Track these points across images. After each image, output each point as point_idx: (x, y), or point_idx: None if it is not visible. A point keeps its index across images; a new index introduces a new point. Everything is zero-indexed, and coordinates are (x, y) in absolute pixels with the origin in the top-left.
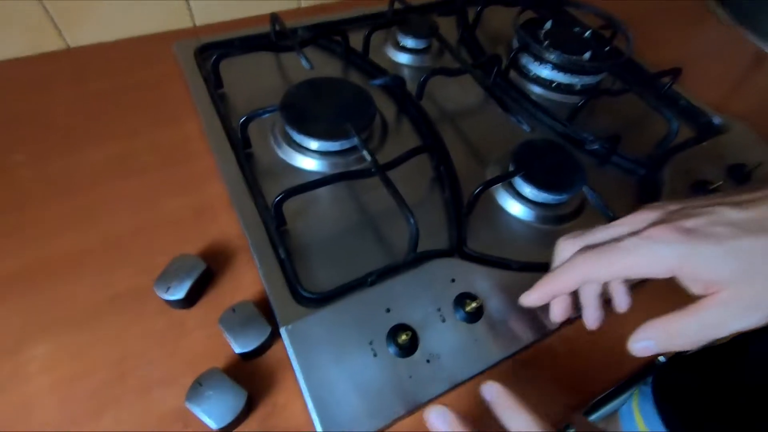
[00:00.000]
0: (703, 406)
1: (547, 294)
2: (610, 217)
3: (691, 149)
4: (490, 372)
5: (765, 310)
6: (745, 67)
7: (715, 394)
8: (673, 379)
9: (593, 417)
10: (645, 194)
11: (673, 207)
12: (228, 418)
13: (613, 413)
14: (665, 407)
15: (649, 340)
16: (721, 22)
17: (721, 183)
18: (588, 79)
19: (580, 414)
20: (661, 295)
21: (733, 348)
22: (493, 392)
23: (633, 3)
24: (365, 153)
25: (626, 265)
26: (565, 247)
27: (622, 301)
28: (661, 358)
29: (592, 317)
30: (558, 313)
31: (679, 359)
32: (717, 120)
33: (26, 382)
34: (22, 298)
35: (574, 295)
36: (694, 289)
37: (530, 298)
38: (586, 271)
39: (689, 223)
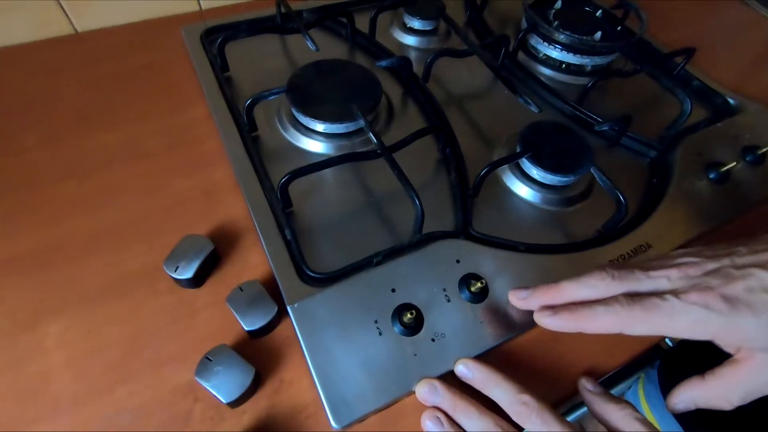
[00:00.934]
0: None
1: (572, 328)
2: (619, 200)
3: (704, 130)
4: (494, 352)
5: None
6: (763, 47)
7: None
8: (680, 364)
9: None
10: (655, 176)
11: (710, 266)
12: (236, 393)
13: None
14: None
15: (691, 402)
16: None
17: (734, 164)
18: (599, 60)
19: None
20: None
21: None
22: (470, 369)
23: None
24: (371, 135)
25: (667, 327)
26: (600, 284)
27: None
28: (668, 342)
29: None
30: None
31: (686, 345)
32: (731, 100)
33: (43, 357)
34: (37, 277)
35: None
36: (726, 349)
37: (551, 323)
38: (625, 322)
39: (729, 290)
